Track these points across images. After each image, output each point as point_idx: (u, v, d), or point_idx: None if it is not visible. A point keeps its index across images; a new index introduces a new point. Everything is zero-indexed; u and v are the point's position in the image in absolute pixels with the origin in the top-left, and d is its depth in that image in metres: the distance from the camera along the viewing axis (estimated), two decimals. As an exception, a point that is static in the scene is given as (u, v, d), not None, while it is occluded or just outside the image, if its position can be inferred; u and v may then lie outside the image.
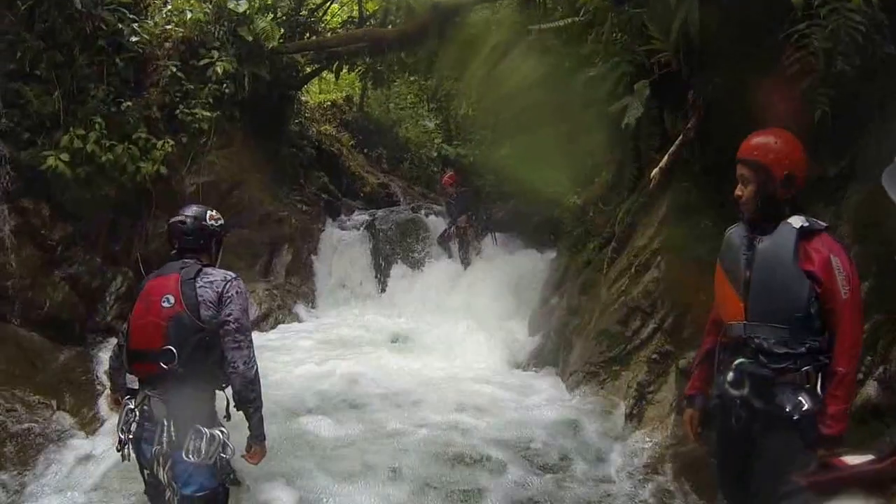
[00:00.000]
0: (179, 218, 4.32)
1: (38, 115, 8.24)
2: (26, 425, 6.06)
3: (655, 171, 6.40)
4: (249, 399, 4.08)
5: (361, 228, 13.59)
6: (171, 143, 9.34)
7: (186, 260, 4.22)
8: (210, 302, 4.05)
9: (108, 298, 8.88)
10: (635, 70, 6.58)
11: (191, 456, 3.91)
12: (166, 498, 4.03)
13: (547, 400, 7.01)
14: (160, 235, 9.25)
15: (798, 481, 2.11)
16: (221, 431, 4.05)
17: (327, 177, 15.04)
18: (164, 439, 3.93)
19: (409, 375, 8.15)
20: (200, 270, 4.14)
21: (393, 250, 13.16)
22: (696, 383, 4.35)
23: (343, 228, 13.69)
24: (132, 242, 9.31)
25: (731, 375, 3.89)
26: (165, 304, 3.99)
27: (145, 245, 9.36)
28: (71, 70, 8.52)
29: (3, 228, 7.84)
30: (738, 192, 3.89)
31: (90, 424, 6.45)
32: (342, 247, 13.14)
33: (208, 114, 9.89)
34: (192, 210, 4.40)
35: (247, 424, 4.11)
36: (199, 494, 3.99)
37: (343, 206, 14.78)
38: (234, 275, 4.22)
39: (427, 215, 14.21)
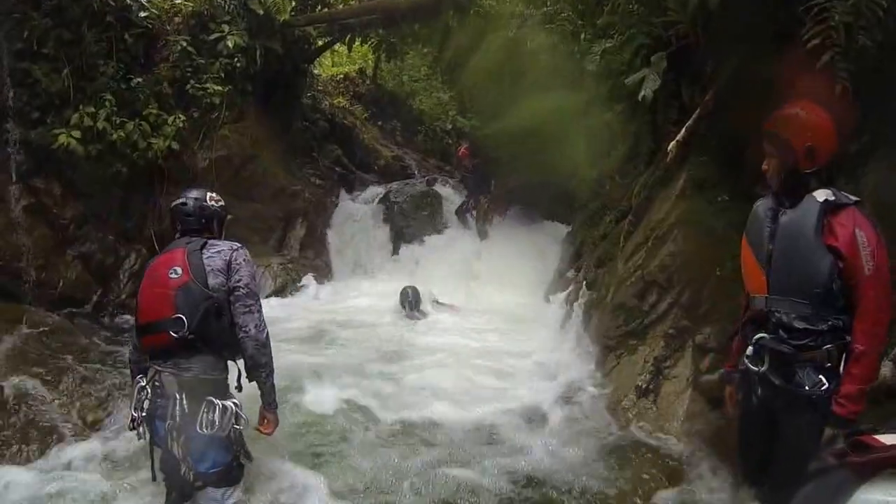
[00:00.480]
0: (180, 200, 4.39)
1: (47, 94, 8.19)
2: (43, 406, 6.02)
3: (673, 144, 6.30)
4: (262, 363, 4.14)
5: (376, 201, 13.55)
6: (183, 118, 9.29)
7: (191, 238, 4.27)
8: (218, 270, 4.10)
9: (121, 276, 8.90)
10: (652, 42, 6.47)
11: (204, 428, 3.94)
12: (182, 473, 4.04)
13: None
14: (173, 212, 9.27)
15: (831, 461, 2.04)
16: (234, 403, 4.07)
17: (341, 150, 14.96)
18: (177, 413, 3.93)
19: (419, 342, 8.32)
20: (206, 243, 4.19)
21: (407, 223, 13.14)
22: (734, 359, 4.33)
23: (357, 202, 13.64)
24: (145, 219, 9.29)
25: (750, 350, 3.88)
26: (173, 275, 4.01)
27: (158, 222, 9.31)
28: (79, 47, 8.44)
29: (15, 208, 7.86)
30: (764, 165, 3.85)
31: (106, 402, 6.38)
32: (356, 220, 13.11)
33: (220, 88, 9.81)
34: (192, 192, 4.48)
35: (259, 394, 4.19)
36: (213, 471, 4.05)
37: (357, 180, 14.71)
38: (239, 244, 4.29)
39: (442, 187, 14.13)
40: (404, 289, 9.66)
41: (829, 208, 3.62)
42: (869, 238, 3.50)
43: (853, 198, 3.65)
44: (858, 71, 4.62)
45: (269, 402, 4.24)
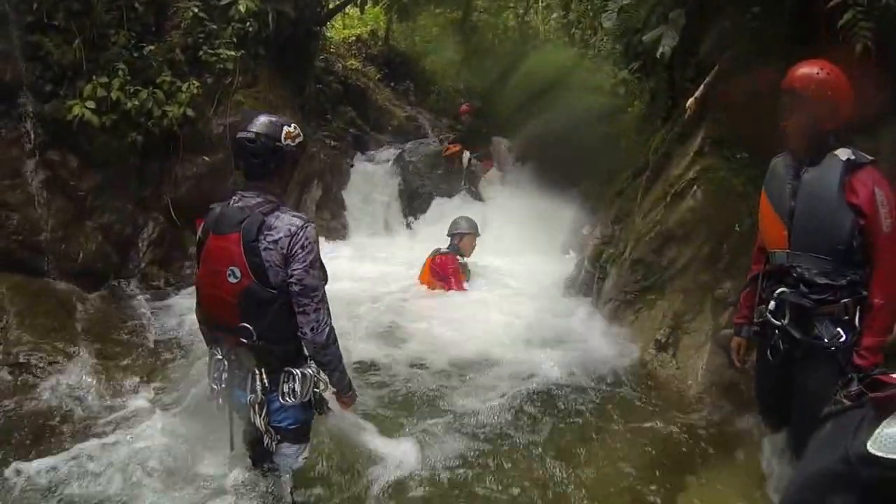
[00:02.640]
0: (247, 135, 3.79)
1: (59, 66, 8.12)
2: (71, 379, 6.11)
3: (691, 101, 6.27)
4: (323, 363, 3.97)
5: (390, 162, 13.55)
6: (197, 84, 9.23)
7: (246, 195, 3.84)
8: (277, 265, 3.72)
9: (140, 245, 8.89)
10: (669, -1, 6.42)
11: (287, 398, 3.90)
12: (265, 444, 4.06)
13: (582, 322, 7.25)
14: (189, 178, 9.34)
15: (848, 402, 2.07)
16: (312, 368, 4.00)
17: (355, 111, 14.95)
18: (258, 387, 3.88)
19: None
20: (262, 224, 3.71)
21: (423, 182, 13.17)
22: (744, 311, 4.47)
23: (372, 162, 13.64)
24: (161, 187, 9.25)
25: (772, 305, 3.98)
26: (232, 280, 3.73)
27: (175, 189, 9.31)
28: (90, 18, 8.34)
29: (32, 182, 7.85)
30: (783, 122, 3.89)
31: (136, 375, 6.42)
32: (372, 180, 13.12)
33: (233, 53, 9.74)
34: (261, 124, 3.83)
35: None
36: (291, 427, 4.03)
37: (371, 140, 14.72)
38: (299, 223, 3.76)
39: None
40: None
41: (850, 167, 3.68)
42: (887, 197, 3.67)
43: (869, 157, 3.74)
44: (880, 29, 4.57)
45: (340, 389, 4.11)
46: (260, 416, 3.93)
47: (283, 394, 3.90)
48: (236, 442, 4.22)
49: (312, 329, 3.80)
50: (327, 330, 3.86)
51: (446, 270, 8.68)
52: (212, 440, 4.74)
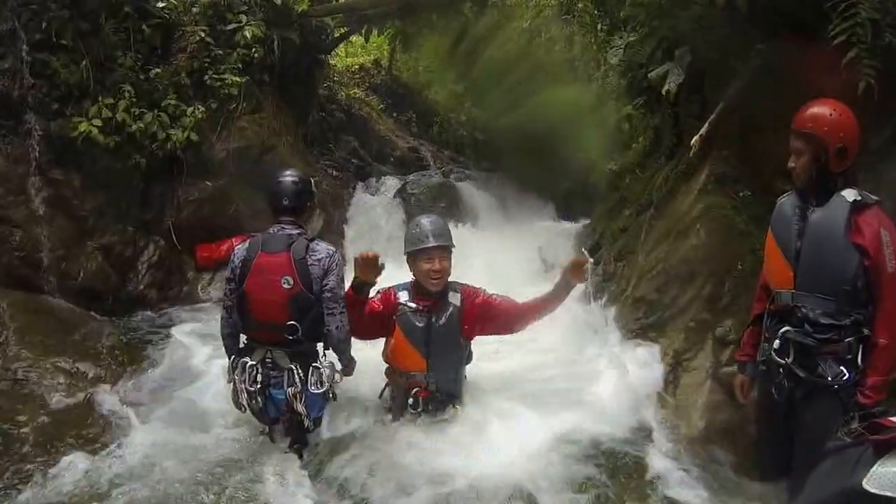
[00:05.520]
0: (291, 178, 5.39)
1: (66, 86, 8.17)
2: (71, 399, 6.13)
3: (696, 138, 6.28)
4: (340, 351, 5.38)
5: (392, 193, 13.49)
6: (202, 109, 9.25)
7: (285, 227, 5.26)
8: (318, 278, 5.10)
9: (140, 267, 8.89)
10: (675, 35, 6.45)
11: (314, 387, 5.21)
12: (305, 426, 5.30)
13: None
14: (192, 203, 9.34)
15: (848, 440, 2.11)
16: (330, 363, 5.38)
17: (357, 141, 14.86)
18: (297, 380, 5.16)
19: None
20: (308, 247, 5.14)
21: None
22: (747, 349, 4.50)
23: (374, 194, 13.57)
24: (164, 211, 9.27)
25: (777, 343, 3.98)
26: (285, 286, 5.02)
27: (177, 213, 9.32)
28: (98, 38, 8.41)
29: (35, 200, 7.87)
30: (791, 163, 3.91)
31: (132, 393, 6.49)
32: (373, 212, 13.04)
33: (238, 79, 9.74)
34: (294, 172, 5.51)
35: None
36: (319, 415, 5.42)
37: (373, 171, 14.65)
38: (333, 249, 5.29)
39: (458, 180, 14.03)
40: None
41: (855, 207, 3.71)
42: (892, 237, 3.69)
43: (875, 197, 3.78)
44: (883, 68, 4.61)
45: (345, 364, 5.49)
46: (300, 402, 5.16)
47: (311, 384, 5.19)
48: (276, 436, 5.41)
49: (337, 328, 5.18)
50: (346, 329, 5.24)
51: None
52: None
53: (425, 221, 5.43)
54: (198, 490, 4.80)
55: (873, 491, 1.79)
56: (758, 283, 4.50)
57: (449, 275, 5.44)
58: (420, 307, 5.38)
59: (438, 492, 4.81)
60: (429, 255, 5.28)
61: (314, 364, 5.25)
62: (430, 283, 5.33)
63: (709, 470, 5.11)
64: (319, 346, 5.38)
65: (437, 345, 5.35)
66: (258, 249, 5.14)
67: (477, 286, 5.69)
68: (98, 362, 6.74)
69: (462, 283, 5.61)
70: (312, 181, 5.46)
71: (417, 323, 5.35)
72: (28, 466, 5.20)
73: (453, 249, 5.48)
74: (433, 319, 5.35)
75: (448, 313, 5.39)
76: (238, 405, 5.37)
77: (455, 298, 5.44)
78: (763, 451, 4.60)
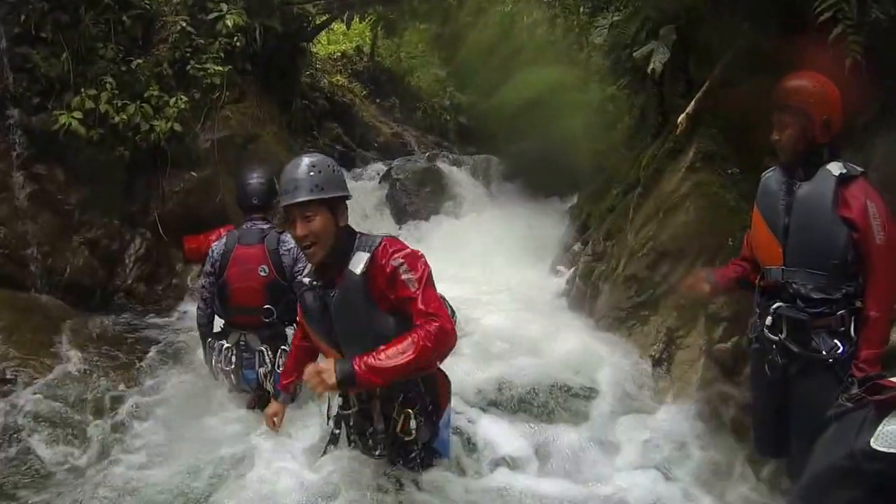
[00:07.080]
0: (258, 180, 5.81)
1: (46, 79, 8.11)
2: (60, 396, 6.07)
3: (682, 117, 6.29)
4: None
5: (378, 179, 13.48)
6: (184, 99, 9.18)
7: (257, 222, 5.67)
8: (289, 266, 5.46)
9: (127, 261, 8.85)
10: (659, 15, 6.44)
11: (280, 368, 5.34)
12: (272, 395, 5.15)
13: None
14: (177, 194, 9.29)
15: (849, 405, 2.11)
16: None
17: (341, 128, 14.90)
18: (267, 360, 5.55)
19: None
20: (279, 239, 5.54)
21: (410, 200, 13.01)
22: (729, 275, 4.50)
23: (358, 179, 13.54)
24: (149, 203, 9.21)
25: (769, 320, 3.98)
26: (262, 273, 5.47)
27: (162, 204, 9.26)
28: (78, 30, 8.33)
29: (19, 196, 7.81)
30: (774, 135, 3.90)
31: (129, 383, 6.52)
32: (359, 198, 13.00)
33: (220, 68, 9.69)
34: (261, 174, 5.89)
35: None
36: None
37: (358, 157, 14.65)
38: None
39: (443, 164, 14.01)
40: None
41: (842, 180, 3.71)
42: (879, 209, 3.72)
43: (860, 169, 3.78)
44: (869, 44, 4.60)
45: None
46: (269, 381, 5.47)
47: (278, 365, 5.47)
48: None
49: None
50: None
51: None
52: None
53: (286, 169, 3.73)
54: (191, 477, 4.79)
55: (882, 450, 1.79)
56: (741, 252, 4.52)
57: (326, 237, 3.66)
58: (315, 282, 3.92)
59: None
60: (291, 218, 3.67)
61: (283, 347, 5.59)
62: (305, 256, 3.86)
63: (703, 447, 5.13)
64: (289, 330, 5.64)
65: (341, 329, 3.82)
66: (236, 243, 5.60)
67: (407, 248, 3.81)
68: (88, 358, 6.71)
69: (388, 237, 3.85)
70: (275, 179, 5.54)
71: (313, 303, 3.93)
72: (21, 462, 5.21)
73: (345, 200, 3.90)
74: (332, 297, 3.79)
75: (346, 287, 3.69)
76: (216, 376, 5.84)
77: (358, 263, 3.64)
78: (758, 428, 4.59)
